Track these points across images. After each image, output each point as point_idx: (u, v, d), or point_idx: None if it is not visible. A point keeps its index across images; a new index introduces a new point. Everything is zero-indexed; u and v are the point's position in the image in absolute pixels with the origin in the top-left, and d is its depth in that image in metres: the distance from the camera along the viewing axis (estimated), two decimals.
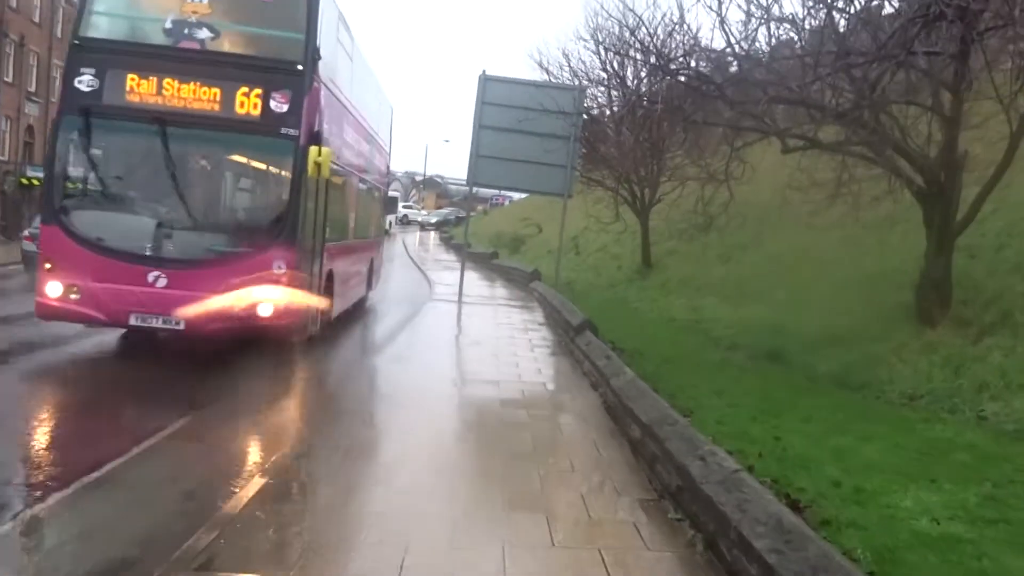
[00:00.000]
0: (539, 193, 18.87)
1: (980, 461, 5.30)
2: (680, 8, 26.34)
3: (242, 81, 7.23)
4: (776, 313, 12.10)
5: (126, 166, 7.43)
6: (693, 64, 9.87)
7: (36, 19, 31.10)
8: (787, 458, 4.97)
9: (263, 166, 7.97)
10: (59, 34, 30.91)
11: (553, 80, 19.61)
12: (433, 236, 44.92)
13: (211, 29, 7.36)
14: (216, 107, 7.21)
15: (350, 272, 10.89)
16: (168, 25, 7.39)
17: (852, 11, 8.90)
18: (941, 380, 7.62)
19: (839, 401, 7.62)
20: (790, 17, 9.47)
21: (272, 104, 7.22)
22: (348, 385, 7.28)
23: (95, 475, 4.39)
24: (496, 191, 47.17)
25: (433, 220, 54.17)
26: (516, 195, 45.37)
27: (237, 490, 4.24)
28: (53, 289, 7.00)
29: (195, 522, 3.71)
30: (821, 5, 8.71)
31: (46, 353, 7.98)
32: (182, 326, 7.04)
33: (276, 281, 7.13)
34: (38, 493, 4.17)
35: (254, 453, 5.05)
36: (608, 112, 18.82)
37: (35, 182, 25.64)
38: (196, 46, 7.36)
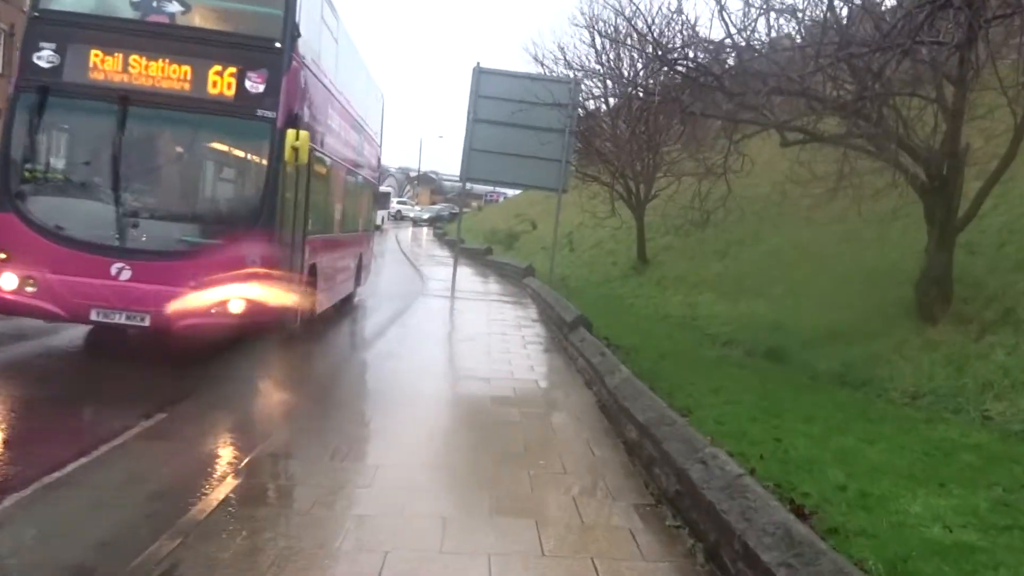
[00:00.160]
0: (534, 188, 18.64)
1: (988, 463, 5.10)
2: None
3: (215, 59, 6.76)
4: (774, 309, 11.91)
5: (89, 149, 6.93)
6: (691, 55, 9.63)
7: (26, 8, 30.62)
8: (789, 460, 4.75)
9: (237, 151, 7.49)
10: None
11: (548, 73, 19.34)
12: (426, 232, 44.59)
13: (182, 2, 6.94)
14: (187, 87, 6.73)
15: (336, 267, 10.46)
16: None
17: (854, 1, 8.68)
18: (943, 378, 7.43)
19: (840, 400, 7.41)
20: (790, 7, 9.26)
21: (247, 84, 6.75)
22: (333, 382, 6.97)
23: (56, 475, 4.14)
24: (490, 187, 46.98)
25: (425, 216, 53.56)
26: (511, 192, 45.21)
27: (208, 492, 3.99)
28: (7, 281, 6.48)
29: (160, 526, 3.48)
30: None
31: (13, 347, 7.64)
32: (147, 323, 6.56)
33: (250, 276, 6.65)
34: None
35: (228, 453, 4.80)
36: (604, 105, 18.58)
37: None
38: (166, 20, 6.91)
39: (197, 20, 7.12)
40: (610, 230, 20.22)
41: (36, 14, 6.85)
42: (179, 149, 7.28)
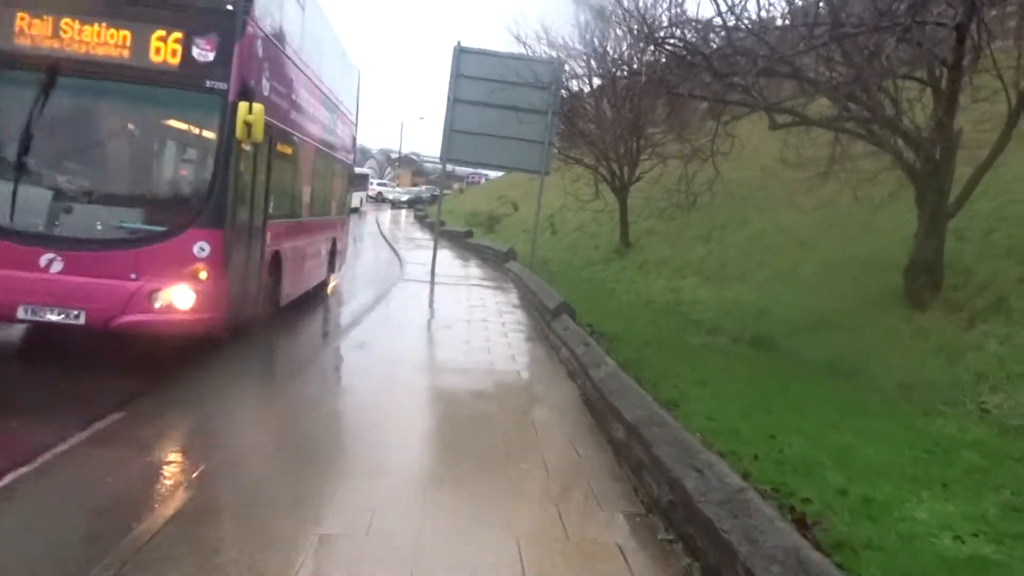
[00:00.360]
0: (515, 170, 18.23)
1: (990, 462, 4.89)
2: None
3: (158, 23, 6.03)
4: (759, 295, 11.71)
5: (14, 125, 6.05)
6: (679, 34, 9.26)
7: None
8: (785, 461, 4.49)
9: (184, 127, 6.72)
10: None
11: (531, 54, 18.84)
12: (404, 214, 43.91)
13: None
14: (126, 54, 5.99)
15: (305, 254, 9.77)
16: None
17: None
18: (936, 369, 7.25)
19: (830, 391, 7.21)
20: None
21: (195, 51, 6.01)
22: (301, 377, 6.51)
23: None
24: (472, 169, 46.37)
25: (404, 198, 52.66)
26: (492, 174, 44.66)
27: (156, 507, 3.62)
28: None
29: (97, 551, 3.10)
30: None
31: None
32: (82, 320, 5.84)
33: (198, 266, 5.97)
34: None
35: (183, 460, 4.40)
36: (587, 86, 18.17)
37: None
38: None
39: None
40: (592, 213, 19.91)
41: None
42: (118, 125, 6.53)
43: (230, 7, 6.17)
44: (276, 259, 8.04)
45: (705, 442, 4.41)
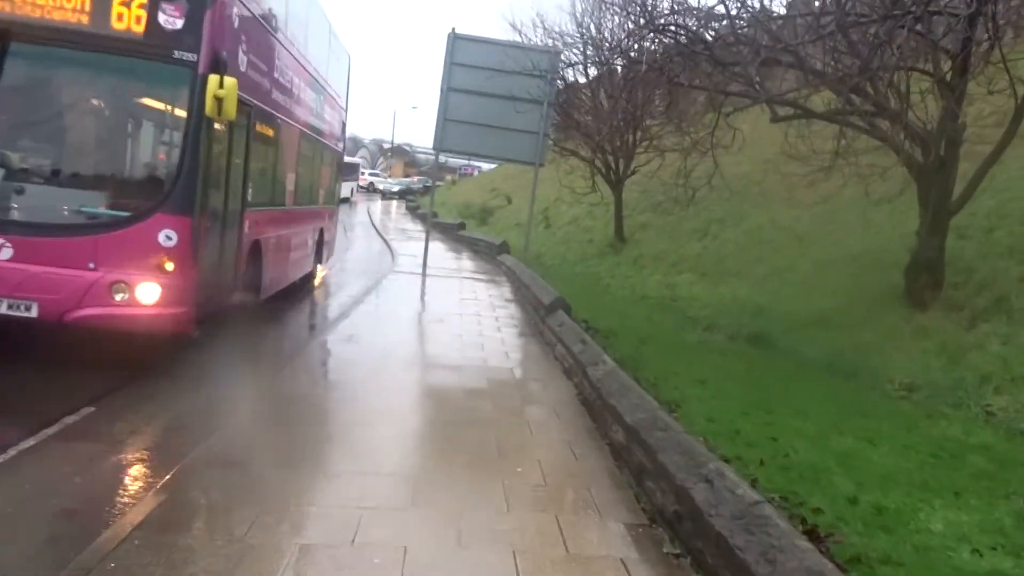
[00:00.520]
0: (509, 161, 17.95)
1: (999, 467, 4.74)
2: None
3: None
4: (756, 292, 11.54)
5: None
6: (681, 22, 9.02)
7: None
8: (791, 467, 4.31)
9: (149, 101, 6.16)
10: None
11: (527, 42, 18.53)
12: (395, 205, 43.45)
13: None
14: (85, 19, 5.47)
15: (289, 244, 9.28)
16: None
17: None
18: (939, 369, 7.10)
19: (831, 390, 7.04)
20: None
21: (161, 18, 5.48)
22: (285, 372, 6.22)
23: None
24: (465, 160, 45.95)
25: (395, 189, 51.97)
26: (486, 165, 44.30)
27: (126, 510, 3.38)
28: None
29: (60, 559, 2.87)
30: None
31: None
32: (34, 313, 5.34)
33: (164, 256, 5.46)
34: None
35: (157, 459, 4.16)
36: (583, 77, 17.90)
37: None
38: None
39: None
40: (587, 207, 19.69)
41: None
42: (76, 98, 6.00)
43: None
44: (256, 249, 7.60)
45: (709, 447, 4.21)
